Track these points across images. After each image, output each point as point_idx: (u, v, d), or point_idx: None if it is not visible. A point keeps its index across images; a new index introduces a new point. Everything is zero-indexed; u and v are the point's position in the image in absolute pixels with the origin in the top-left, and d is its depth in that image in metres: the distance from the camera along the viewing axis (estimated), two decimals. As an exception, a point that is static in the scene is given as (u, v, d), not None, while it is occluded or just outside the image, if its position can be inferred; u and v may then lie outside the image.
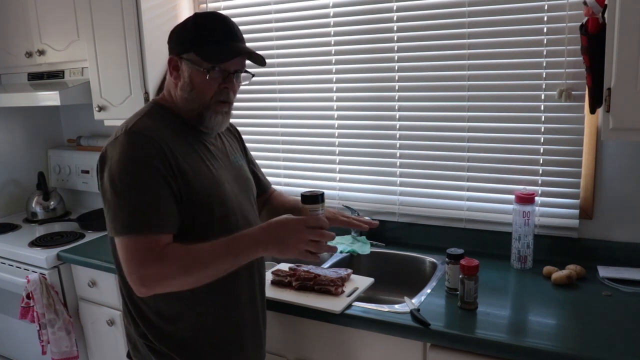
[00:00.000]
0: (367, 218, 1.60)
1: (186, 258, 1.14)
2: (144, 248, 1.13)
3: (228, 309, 1.31)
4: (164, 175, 1.16)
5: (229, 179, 1.34)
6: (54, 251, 2.24)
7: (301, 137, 2.25)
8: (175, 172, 1.18)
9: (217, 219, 1.26)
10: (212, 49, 1.22)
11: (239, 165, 1.43)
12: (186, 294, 1.20)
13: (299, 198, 1.28)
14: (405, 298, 1.56)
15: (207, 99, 1.25)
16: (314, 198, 1.23)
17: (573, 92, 1.69)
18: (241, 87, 1.34)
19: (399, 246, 2.02)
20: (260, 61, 1.29)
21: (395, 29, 1.96)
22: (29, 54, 2.54)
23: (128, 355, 1.37)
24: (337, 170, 2.19)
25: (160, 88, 2.22)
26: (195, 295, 1.22)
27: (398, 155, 2.05)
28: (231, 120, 1.41)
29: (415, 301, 1.54)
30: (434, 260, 1.87)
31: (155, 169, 1.15)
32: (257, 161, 2.36)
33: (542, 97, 1.76)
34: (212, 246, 1.15)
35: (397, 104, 2.01)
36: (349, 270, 1.71)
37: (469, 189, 1.94)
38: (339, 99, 2.13)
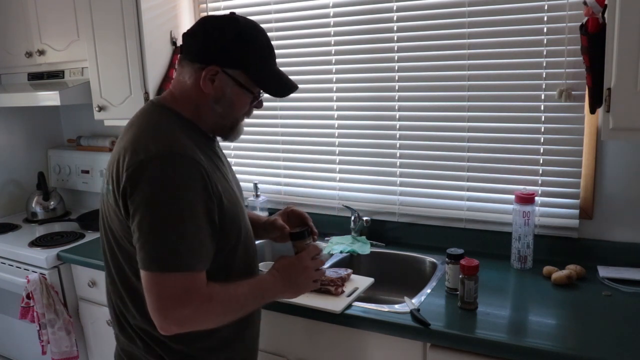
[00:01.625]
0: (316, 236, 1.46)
1: (230, 301, 1.14)
2: (185, 287, 1.06)
3: (243, 326, 1.29)
4: (205, 204, 1.10)
5: (236, 189, 1.30)
6: (54, 251, 2.24)
7: (301, 137, 2.25)
8: (213, 197, 1.12)
9: (242, 241, 1.24)
10: (268, 78, 1.21)
11: (234, 173, 1.39)
12: None
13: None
14: (405, 298, 1.56)
15: (239, 116, 1.25)
16: (304, 233, 1.35)
17: (573, 92, 1.69)
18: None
19: (399, 246, 2.02)
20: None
21: (395, 29, 1.96)
22: (29, 54, 2.54)
23: None
24: (337, 170, 2.19)
25: (161, 88, 2.22)
26: None
27: (398, 155, 2.05)
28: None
29: (415, 301, 1.54)
30: (434, 260, 1.87)
31: (198, 197, 1.08)
32: (257, 161, 2.40)
33: (542, 97, 1.76)
34: (247, 288, 1.18)
35: (397, 104, 2.01)
36: (349, 270, 1.70)
37: (469, 189, 1.94)
38: (339, 99, 2.13)
